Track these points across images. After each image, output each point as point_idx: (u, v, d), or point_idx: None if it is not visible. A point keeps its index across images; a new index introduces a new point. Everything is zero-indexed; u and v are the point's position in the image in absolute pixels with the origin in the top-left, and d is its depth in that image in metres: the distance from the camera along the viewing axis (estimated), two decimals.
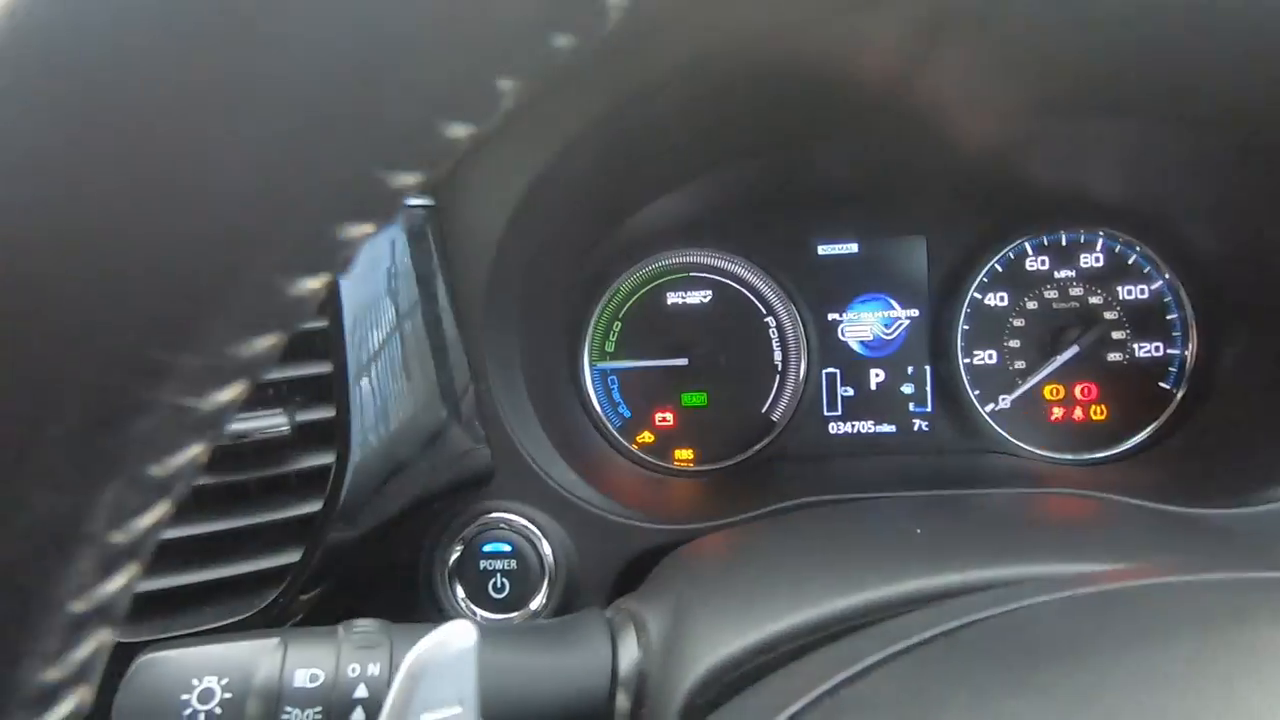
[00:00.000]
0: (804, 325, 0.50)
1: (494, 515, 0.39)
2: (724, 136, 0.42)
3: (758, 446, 0.51)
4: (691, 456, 0.51)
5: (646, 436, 0.51)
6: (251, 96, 0.08)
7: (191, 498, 0.33)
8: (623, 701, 0.27)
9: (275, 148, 0.09)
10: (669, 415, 0.51)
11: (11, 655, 0.09)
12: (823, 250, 0.50)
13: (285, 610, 0.33)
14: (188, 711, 0.22)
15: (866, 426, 0.50)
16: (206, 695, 0.22)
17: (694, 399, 0.51)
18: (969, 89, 0.39)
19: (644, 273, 0.50)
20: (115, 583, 0.10)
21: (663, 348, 0.51)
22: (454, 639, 0.18)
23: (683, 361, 0.50)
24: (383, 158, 0.09)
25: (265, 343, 0.10)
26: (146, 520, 0.09)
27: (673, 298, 0.51)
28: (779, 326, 0.50)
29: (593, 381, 0.51)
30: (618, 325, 0.51)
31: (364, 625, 0.25)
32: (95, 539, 0.09)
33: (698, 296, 0.50)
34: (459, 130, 0.10)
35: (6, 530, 0.09)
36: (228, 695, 0.22)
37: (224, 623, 0.31)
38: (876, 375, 0.50)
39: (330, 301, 0.33)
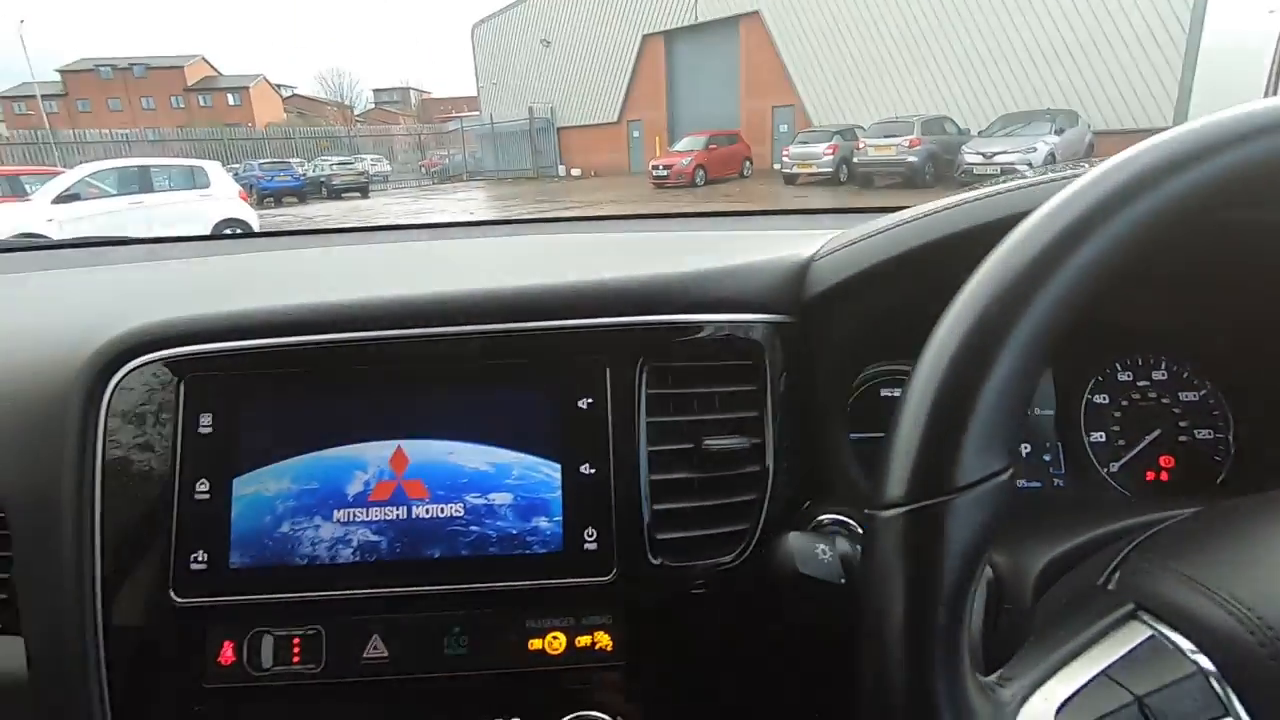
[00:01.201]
0: None
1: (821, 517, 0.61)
2: None
3: None
4: None
5: None
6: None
7: (696, 484, 0.55)
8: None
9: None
10: None
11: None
12: None
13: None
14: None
15: (1023, 482, 0.73)
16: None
17: None
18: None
19: (866, 373, 0.75)
20: None
21: (877, 426, 0.74)
22: None
23: None
24: None
25: None
26: None
27: (884, 392, 0.75)
28: None
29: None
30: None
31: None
32: None
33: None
34: None
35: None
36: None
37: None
38: (1026, 449, 0.74)
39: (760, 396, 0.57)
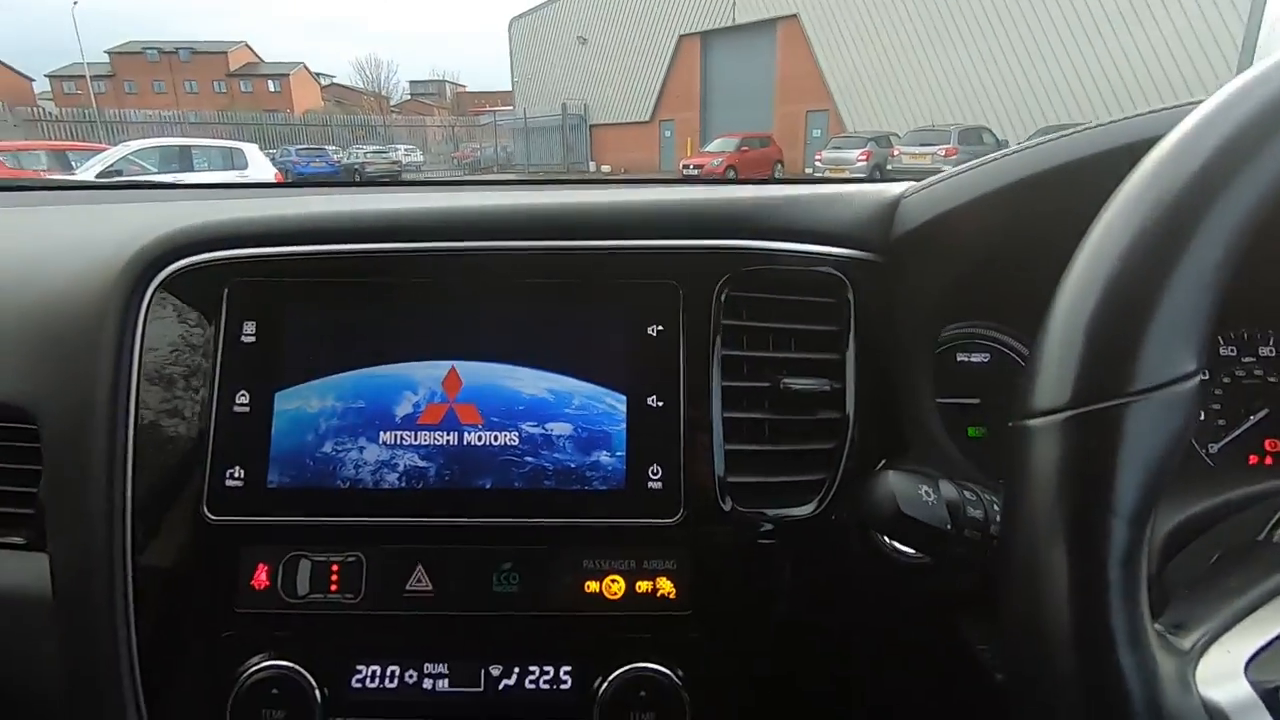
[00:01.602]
0: None
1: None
2: None
3: None
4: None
5: None
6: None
7: (768, 427, 0.50)
8: None
9: None
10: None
11: None
12: None
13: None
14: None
15: None
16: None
17: (975, 432, 0.68)
18: None
19: (945, 334, 0.69)
20: None
21: (953, 391, 0.69)
22: None
23: (975, 400, 0.68)
24: None
25: None
26: None
27: (960, 357, 0.70)
28: None
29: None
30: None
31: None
32: None
33: (980, 357, 0.69)
34: None
35: None
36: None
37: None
38: None
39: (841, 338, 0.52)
